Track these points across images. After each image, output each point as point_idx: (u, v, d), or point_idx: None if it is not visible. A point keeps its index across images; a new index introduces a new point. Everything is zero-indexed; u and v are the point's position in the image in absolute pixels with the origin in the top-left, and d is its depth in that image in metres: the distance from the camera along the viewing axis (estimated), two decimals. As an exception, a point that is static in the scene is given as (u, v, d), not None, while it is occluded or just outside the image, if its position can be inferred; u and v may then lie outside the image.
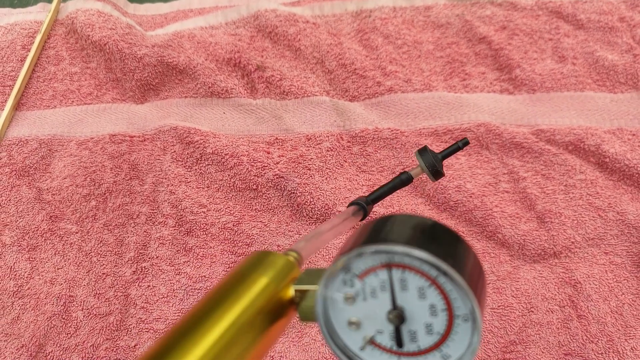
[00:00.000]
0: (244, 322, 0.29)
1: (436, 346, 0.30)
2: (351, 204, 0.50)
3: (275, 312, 0.31)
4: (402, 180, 0.51)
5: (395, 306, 0.30)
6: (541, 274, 0.66)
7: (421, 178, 0.72)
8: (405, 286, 0.30)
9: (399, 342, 0.30)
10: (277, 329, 0.31)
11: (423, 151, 0.49)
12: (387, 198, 0.71)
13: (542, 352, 0.62)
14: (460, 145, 0.50)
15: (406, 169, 0.72)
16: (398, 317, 0.30)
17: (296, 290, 0.33)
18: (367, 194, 0.71)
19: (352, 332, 0.31)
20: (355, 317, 0.31)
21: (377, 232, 0.30)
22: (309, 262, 0.69)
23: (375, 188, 0.72)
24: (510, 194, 0.71)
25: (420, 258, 0.28)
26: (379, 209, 0.70)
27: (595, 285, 0.65)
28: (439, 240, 0.30)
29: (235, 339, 0.28)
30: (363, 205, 0.49)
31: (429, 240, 0.29)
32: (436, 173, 0.49)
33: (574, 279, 0.65)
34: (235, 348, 0.27)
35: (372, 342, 0.31)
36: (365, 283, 0.31)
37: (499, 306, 0.64)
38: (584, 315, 0.63)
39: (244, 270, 0.32)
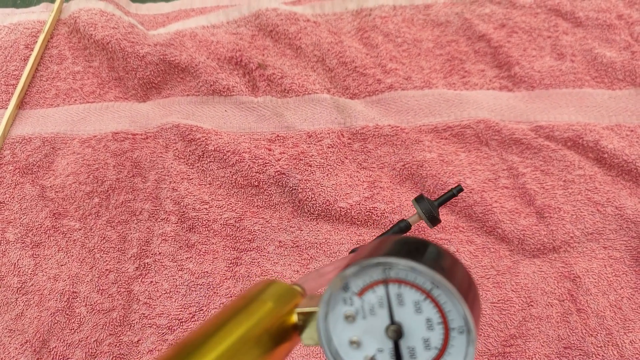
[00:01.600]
0: (248, 341, 0.30)
1: None
2: (353, 250, 0.52)
3: (279, 335, 0.33)
4: (401, 228, 0.53)
5: (393, 321, 0.31)
6: (540, 268, 0.67)
7: (420, 174, 0.73)
8: (402, 301, 0.31)
9: (399, 358, 0.31)
10: (280, 352, 0.33)
11: (420, 199, 0.51)
12: (387, 195, 0.72)
13: (542, 345, 0.62)
14: (454, 192, 0.52)
15: (406, 165, 0.73)
16: (396, 331, 0.31)
17: (299, 314, 0.34)
18: (367, 190, 0.72)
19: (353, 351, 0.32)
20: (356, 336, 0.32)
21: (372, 250, 0.32)
22: (311, 257, 0.70)
23: (375, 185, 0.73)
24: (509, 190, 0.72)
25: (413, 268, 0.29)
26: (380, 205, 0.71)
27: (594, 279, 0.65)
28: (431, 255, 0.31)
29: (240, 356, 0.29)
30: None
31: (422, 255, 0.31)
32: (433, 219, 0.50)
33: (573, 274, 0.66)
34: None
35: None
36: (364, 301, 0.32)
37: (498, 300, 0.65)
38: (583, 309, 0.64)
39: (251, 295, 0.34)
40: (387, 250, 0.31)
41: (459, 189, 0.52)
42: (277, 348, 0.32)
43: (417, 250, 0.31)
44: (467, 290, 0.30)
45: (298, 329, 0.34)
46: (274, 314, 0.33)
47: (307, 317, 0.34)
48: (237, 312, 0.32)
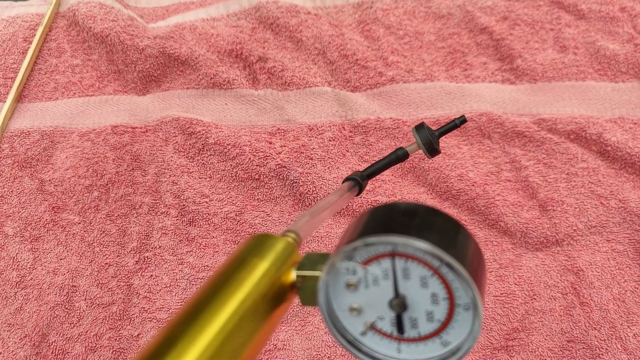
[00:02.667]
0: (247, 310, 0.28)
1: (436, 333, 0.30)
2: (346, 179, 0.49)
3: (277, 296, 0.31)
4: (398, 156, 0.51)
5: (397, 294, 0.30)
6: (543, 261, 0.66)
7: (423, 167, 0.72)
8: (408, 275, 0.30)
9: (400, 329, 0.31)
10: (279, 313, 0.31)
11: (420, 127, 0.49)
12: (390, 188, 0.71)
13: (545, 339, 0.62)
14: (457, 122, 0.49)
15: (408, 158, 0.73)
16: (400, 305, 0.30)
17: (299, 277, 0.33)
18: (368, 183, 0.71)
19: (353, 317, 0.32)
20: (356, 303, 0.31)
21: (380, 222, 0.31)
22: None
23: (377, 178, 0.72)
24: (512, 183, 0.71)
25: (423, 249, 0.28)
26: (382, 198, 0.70)
27: (598, 272, 0.65)
28: (441, 229, 0.30)
29: (239, 326, 0.28)
30: (359, 181, 0.49)
31: (431, 230, 0.29)
32: (432, 150, 0.48)
33: (577, 267, 0.65)
34: (239, 336, 0.27)
35: (372, 327, 0.31)
36: (367, 271, 0.31)
37: (501, 294, 0.64)
38: (587, 303, 0.63)
39: (243, 255, 0.32)
40: (394, 225, 0.30)
41: (462, 120, 0.49)
42: (275, 310, 0.31)
43: (426, 224, 0.30)
44: (477, 267, 0.29)
45: (296, 287, 0.33)
46: (270, 275, 0.31)
47: (307, 282, 0.33)
48: (230, 278, 0.30)
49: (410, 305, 0.30)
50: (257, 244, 0.33)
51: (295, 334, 0.64)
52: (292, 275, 0.32)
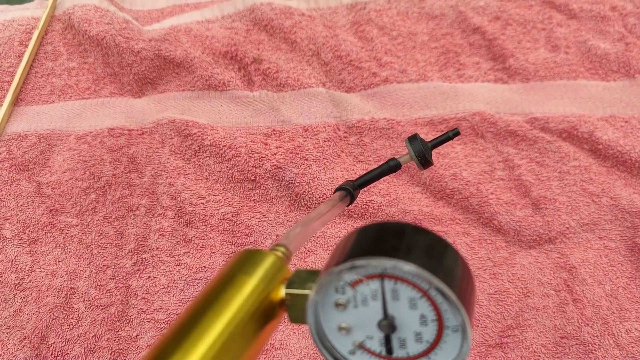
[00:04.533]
0: (234, 329, 0.28)
1: (425, 354, 0.31)
2: (338, 189, 0.49)
3: (265, 314, 0.31)
4: (390, 167, 0.51)
5: (386, 316, 0.31)
6: (537, 259, 0.67)
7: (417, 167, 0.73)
8: (397, 296, 0.30)
9: (389, 349, 0.31)
10: (268, 330, 0.31)
11: (413, 139, 0.49)
12: (384, 187, 0.72)
13: (539, 335, 0.63)
14: (450, 135, 0.49)
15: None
16: (389, 326, 0.30)
17: (288, 294, 0.32)
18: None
19: (341, 336, 0.32)
20: (345, 323, 0.31)
21: (368, 243, 0.31)
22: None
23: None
24: (505, 182, 0.72)
25: (412, 273, 0.28)
26: (376, 198, 0.71)
27: (590, 269, 0.66)
28: (430, 251, 0.30)
29: (227, 346, 0.28)
30: (350, 191, 0.49)
31: (420, 251, 0.29)
32: (425, 162, 0.48)
33: (569, 264, 0.66)
34: (227, 355, 0.27)
35: (361, 346, 0.32)
36: (357, 291, 0.31)
37: (495, 291, 0.65)
38: (579, 299, 0.64)
39: (232, 272, 0.32)
40: (384, 247, 0.30)
41: (456, 132, 0.49)
42: (264, 328, 0.31)
43: (415, 245, 0.30)
44: (465, 288, 0.30)
45: (285, 305, 0.33)
46: (259, 292, 0.31)
47: (296, 300, 0.32)
48: (218, 296, 0.30)
49: (399, 326, 0.31)
50: (245, 260, 0.32)
51: (292, 333, 0.65)
52: (282, 292, 0.32)
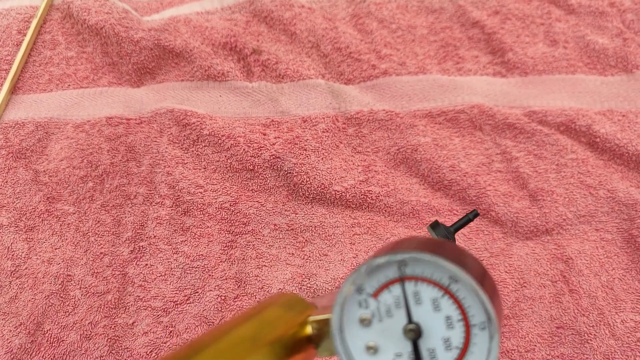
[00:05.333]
0: (257, 345, 0.30)
1: None
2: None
3: (292, 345, 0.32)
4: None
5: (410, 320, 0.30)
6: (534, 250, 0.67)
7: (415, 158, 0.73)
8: (419, 299, 0.30)
9: (418, 359, 0.30)
10: None
11: (435, 226, 0.48)
12: (382, 178, 0.72)
13: (535, 325, 0.63)
14: (471, 217, 0.49)
15: (401, 149, 0.74)
16: (414, 330, 0.30)
17: (312, 323, 0.33)
18: (361, 174, 0.72)
19: (370, 357, 0.31)
20: (372, 340, 0.31)
21: (385, 247, 0.31)
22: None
23: (370, 169, 0.73)
24: (503, 174, 0.72)
25: (430, 261, 0.29)
26: (375, 188, 0.71)
27: (587, 260, 0.66)
28: (447, 249, 0.30)
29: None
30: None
31: (437, 248, 0.30)
32: None
33: (566, 255, 0.66)
34: None
35: None
36: (379, 302, 0.31)
37: (492, 282, 0.65)
38: (576, 290, 0.64)
39: (262, 304, 0.34)
40: (401, 248, 0.30)
41: (475, 214, 0.50)
42: (290, 358, 0.31)
43: (432, 244, 0.30)
44: (483, 280, 0.30)
45: (313, 341, 0.33)
46: (285, 319, 0.33)
47: (321, 327, 0.33)
48: (247, 318, 0.32)
49: (425, 333, 0.30)
50: (277, 297, 0.35)
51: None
52: (309, 328, 0.33)
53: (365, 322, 0.31)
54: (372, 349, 0.31)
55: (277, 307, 0.33)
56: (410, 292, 0.30)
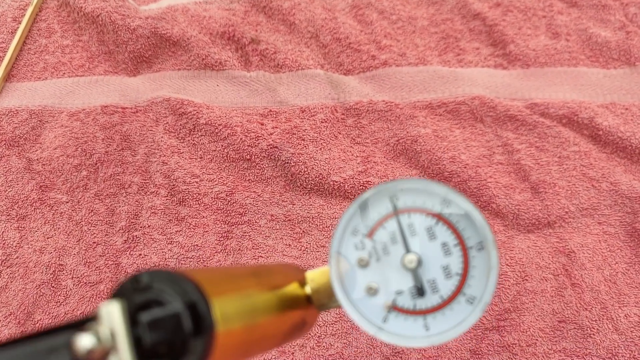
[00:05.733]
0: (262, 285, 0.31)
1: (458, 290, 0.30)
2: None
3: (291, 300, 0.32)
4: None
5: (409, 249, 0.30)
6: (535, 243, 0.66)
7: (415, 149, 0.72)
8: (414, 230, 0.30)
9: (421, 289, 0.30)
10: (289, 316, 0.32)
11: None
12: (382, 169, 0.71)
13: (537, 319, 0.61)
14: None
15: (400, 140, 0.72)
16: (413, 260, 0.30)
17: (311, 279, 0.34)
18: (360, 165, 0.71)
19: (371, 299, 0.31)
20: (372, 281, 0.31)
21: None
22: (303, 231, 0.69)
23: (369, 160, 0.71)
24: (504, 166, 0.71)
25: (420, 187, 0.29)
26: (373, 179, 0.70)
27: (589, 254, 0.65)
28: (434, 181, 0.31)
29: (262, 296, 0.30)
30: None
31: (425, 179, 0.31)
32: None
33: (568, 248, 0.65)
34: (258, 298, 0.30)
35: (394, 307, 0.30)
36: (375, 241, 0.31)
37: (493, 274, 0.64)
38: (578, 284, 0.63)
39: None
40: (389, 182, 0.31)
41: None
42: (289, 310, 0.32)
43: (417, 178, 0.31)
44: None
45: (312, 300, 0.34)
46: (284, 272, 0.34)
47: (319, 280, 0.33)
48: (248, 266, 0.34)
49: (424, 264, 0.30)
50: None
51: (298, 350, 0.64)
52: (307, 289, 0.34)
53: (363, 263, 0.31)
54: (373, 290, 0.31)
55: (275, 264, 0.35)
56: (405, 224, 0.30)
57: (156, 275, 0.24)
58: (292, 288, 0.33)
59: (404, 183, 0.29)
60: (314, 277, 0.34)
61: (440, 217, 0.29)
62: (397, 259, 0.30)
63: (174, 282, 0.24)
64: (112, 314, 0.22)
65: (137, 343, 0.22)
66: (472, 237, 0.29)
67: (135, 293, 0.23)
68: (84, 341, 0.21)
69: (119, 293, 0.23)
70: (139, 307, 0.23)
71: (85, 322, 0.23)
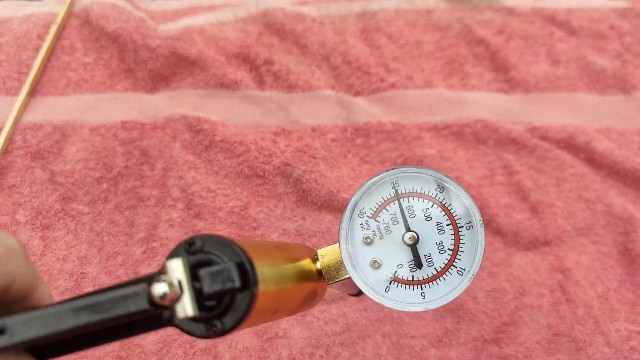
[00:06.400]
0: (285, 257, 0.36)
1: (450, 262, 0.35)
2: None
3: (307, 274, 0.38)
4: None
5: (409, 228, 0.36)
6: (533, 260, 0.70)
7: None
8: (413, 212, 0.36)
9: (419, 262, 0.35)
10: (305, 286, 0.37)
11: None
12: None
13: (533, 332, 0.65)
14: None
15: (407, 160, 0.76)
16: (413, 237, 0.36)
17: (321, 257, 0.39)
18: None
19: (375, 271, 0.36)
20: (375, 256, 0.37)
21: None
22: (313, 245, 0.72)
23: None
24: (505, 186, 0.75)
25: (417, 172, 0.36)
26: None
27: (583, 272, 0.69)
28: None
29: (285, 267, 0.35)
30: None
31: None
32: None
33: (564, 266, 0.69)
34: (281, 270, 0.34)
35: (395, 279, 0.36)
36: (379, 222, 0.37)
37: (492, 289, 0.68)
38: (572, 300, 0.67)
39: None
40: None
41: None
42: (303, 281, 0.37)
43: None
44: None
45: (322, 274, 0.39)
46: (299, 249, 0.40)
47: (328, 260, 0.39)
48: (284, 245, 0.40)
49: (421, 241, 0.36)
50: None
51: (296, 323, 0.67)
52: (317, 263, 0.40)
53: (367, 241, 0.37)
54: (377, 263, 0.37)
55: (290, 242, 0.41)
56: (405, 207, 0.36)
57: (207, 239, 0.28)
58: (307, 262, 0.38)
59: (404, 170, 0.36)
60: (325, 253, 0.39)
61: (435, 201, 0.35)
62: (398, 237, 0.37)
63: (224, 245, 0.28)
64: (177, 268, 0.27)
65: (197, 294, 0.27)
66: (462, 218, 0.35)
67: (189, 254, 0.28)
68: (159, 287, 0.26)
69: (175, 254, 0.28)
70: (194, 266, 0.28)
71: (154, 276, 0.28)
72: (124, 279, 0.71)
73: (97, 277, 0.71)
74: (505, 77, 0.84)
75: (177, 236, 0.73)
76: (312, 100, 0.82)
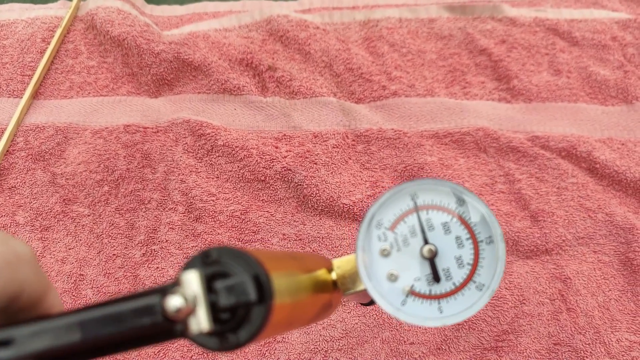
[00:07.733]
0: (300, 267, 0.35)
1: (469, 278, 0.34)
2: None
3: (322, 284, 0.36)
4: None
5: (427, 241, 0.35)
6: (533, 269, 0.69)
7: (421, 176, 0.76)
8: (431, 225, 0.35)
9: (436, 276, 0.34)
10: (321, 297, 0.36)
11: None
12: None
13: (533, 341, 0.65)
14: None
15: (407, 167, 0.76)
16: (431, 249, 0.34)
17: (337, 266, 0.38)
18: (369, 189, 0.75)
19: (392, 284, 0.35)
20: (392, 269, 0.35)
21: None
22: (313, 250, 0.72)
23: (377, 184, 0.75)
24: (505, 194, 0.75)
25: (435, 185, 0.34)
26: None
27: (584, 281, 0.68)
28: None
29: (301, 277, 0.33)
30: None
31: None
32: None
33: (564, 275, 0.69)
34: (297, 280, 0.33)
35: (412, 292, 0.35)
36: (396, 234, 0.35)
37: (492, 298, 0.68)
38: (573, 309, 0.66)
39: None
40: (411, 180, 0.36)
41: None
42: (319, 292, 0.36)
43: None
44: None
45: (337, 285, 0.38)
46: (315, 259, 0.38)
47: (344, 271, 0.38)
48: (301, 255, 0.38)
49: (439, 254, 0.35)
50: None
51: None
52: (333, 274, 0.38)
53: (384, 252, 0.35)
54: (393, 276, 0.35)
55: (305, 252, 0.39)
56: (424, 219, 0.35)
57: (223, 251, 0.28)
58: (322, 272, 0.37)
59: (423, 183, 0.34)
60: (340, 264, 0.38)
61: (455, 214, 0.34)
62: (416, 250, 0.35)
63: (239, 257, 0.27)
64: (193, 281, 0.26)
65: (211, 307, 0.26)
66: (482, 232, 0.33)
67: (205, 266, 0.27)
68: (174, 301, 0.25)
69: (191, 265, 0.27)
70: (209, 278, 0.27)
71: (168, 289, 0.27)
72: (123, 281, 0.71)
73: (95, 279, 0.71)
74: (507, 87, 0.84)
75: (177, 239, 0.73)
76: (314, 106, 0.83)
